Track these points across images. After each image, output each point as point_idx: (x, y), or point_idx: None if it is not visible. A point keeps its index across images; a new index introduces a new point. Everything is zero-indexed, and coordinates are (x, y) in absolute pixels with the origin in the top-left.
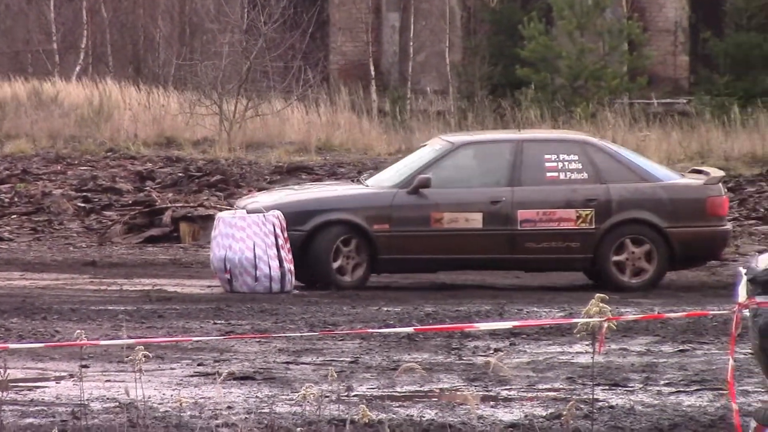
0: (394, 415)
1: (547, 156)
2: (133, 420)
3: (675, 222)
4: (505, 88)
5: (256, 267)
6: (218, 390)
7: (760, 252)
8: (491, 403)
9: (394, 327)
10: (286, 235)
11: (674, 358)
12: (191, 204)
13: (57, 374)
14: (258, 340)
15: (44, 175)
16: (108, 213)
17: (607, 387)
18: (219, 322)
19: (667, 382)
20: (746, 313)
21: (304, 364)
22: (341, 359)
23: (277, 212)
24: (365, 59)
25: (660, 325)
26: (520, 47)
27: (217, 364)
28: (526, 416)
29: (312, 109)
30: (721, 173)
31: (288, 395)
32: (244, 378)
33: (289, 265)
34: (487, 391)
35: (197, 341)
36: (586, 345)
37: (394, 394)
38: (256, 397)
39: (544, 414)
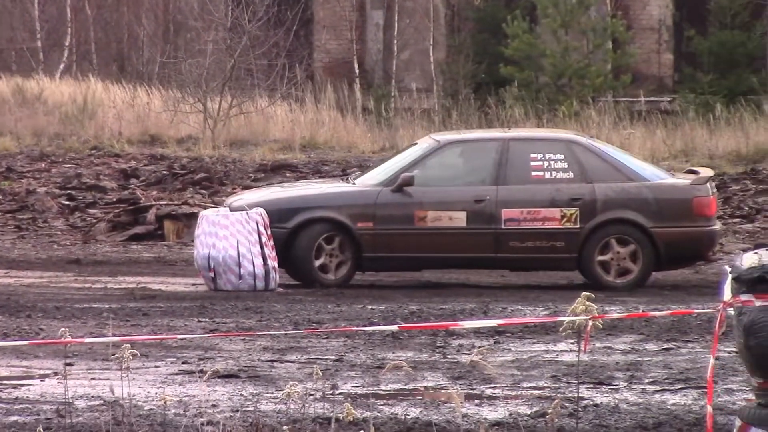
0: (378, 414)
1: (532, 155)
2: (118, 418)
3: (660, 222)
4: (489, 86)
5: (240, 265)
6: (203, 388)
7: (745, 250)
8: (476, 401)
9: (379, 325)
10: (269, 232)
11: (659, 356)
12: (175, 202)
13: (42, 372)
14: (242, 338)
15: (28, 172)
16: (92, 211)
17: (591, 385)
18: (203, 320)
19: (651, 380)
20: (731, 311)
21: (289, 362)
22: (326, 357)
23: (261, 210)
24: (349, 57)
25: (645, 324)
26: (504, 45)
27: (201, 362)
28: (510, 414)
29: (296, 107)
30: (711, 173)
31: (273, 393)
32: (228, 376)
33: (273, 263)
34: (471, 389)
35: (182, 339)
36: (571, 343)
37: (379, 392)
38: (241, 395)
39: (528, 412)
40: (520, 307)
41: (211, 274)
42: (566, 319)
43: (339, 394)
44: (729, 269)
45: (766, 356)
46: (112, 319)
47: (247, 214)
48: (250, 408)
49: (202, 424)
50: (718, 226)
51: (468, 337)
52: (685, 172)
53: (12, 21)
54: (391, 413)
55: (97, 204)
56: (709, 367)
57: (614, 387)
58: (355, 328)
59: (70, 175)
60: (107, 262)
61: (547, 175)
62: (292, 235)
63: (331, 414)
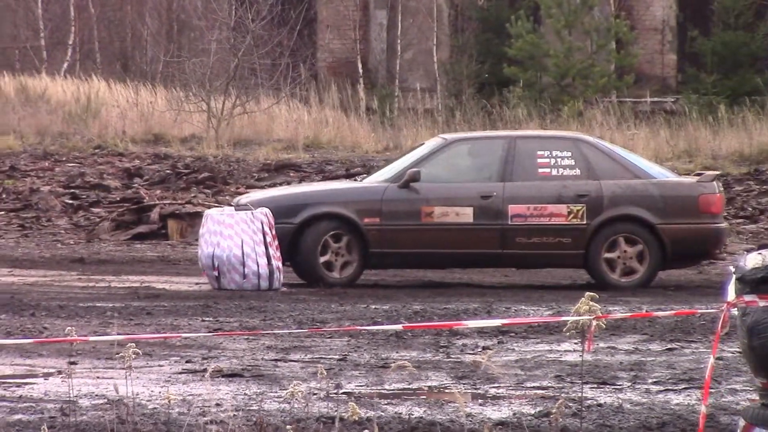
0: (382, 413)
1: (539, 152)
2: (122, 417)
3: (667, 219)
4: (492, 86)
5: (244, 264)
6: (206, 387)
7: (748, 251)
8: (479, 400)
9: (383, 325)
10: (274, 232)
11: (662, 356)
12: (179, 201)
13: (45, 371)
14: (246, 337)
15: (32, 171)
16: (96, 210)
17: (595, 385)
18: (207, 319)
19: (655, 380)
20: (734, 312)
21: (293, 361)
22: (329, 357)
23: (266, 209)
24: (353, 57)
25: (648, 324)
26: (507, 45)
27: (205, 361)
28: (514, 414)
29: (300, 107)
30: (717, 172)
31: (276, 392)
32: (232, 375)
33: (277, 263)
34: (475, 389)
35: (185, 338)
36: (575, 343)
37: (383, 391)
38: (245, 394)
39: (532, 412)
40: (523, 307)
41: (215, 273)
42: (570, 319)
43: (343, 393)
44: (733, 270)
45: None
46: (115, 318)
47: (252, 213)
48: (254, 407)
49: (206, 423)
50: (724, 224)
51: (472, 336)
52: (693, 175)
53: (15, 19)
54: (395, 413)
55: (101, 203)
56: (708, 367)
57: (618, 387)
58: (358, 328)
59: (74, 174)
60: (111, 261)
61: (554, 172)
62: (298, 230)
63: (335, 413)
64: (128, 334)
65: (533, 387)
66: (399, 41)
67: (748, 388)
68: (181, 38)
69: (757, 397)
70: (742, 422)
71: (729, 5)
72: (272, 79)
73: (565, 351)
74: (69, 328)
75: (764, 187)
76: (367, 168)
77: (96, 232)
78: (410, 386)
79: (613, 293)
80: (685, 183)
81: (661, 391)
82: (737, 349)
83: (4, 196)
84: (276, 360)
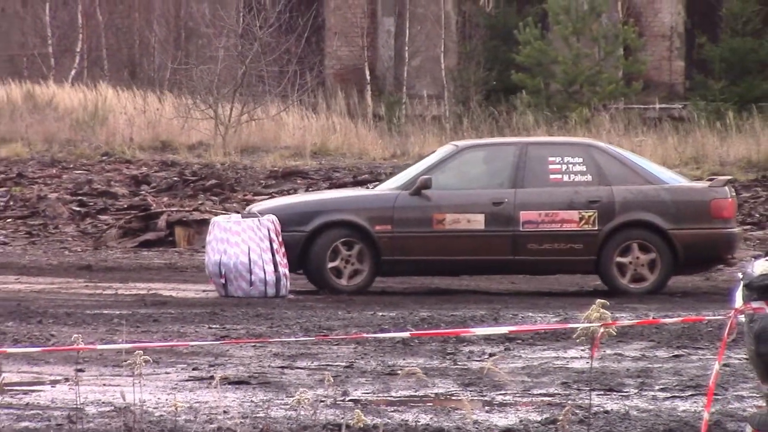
0: (389, 420)
1: (551, 158)
2: (129, 424)
3: (679, 224)
4: (500, 93)
5: (251, 271)
6: (213, 394)
7: (756, 257)
8: (486, 408)
9: (389, 332)
10: (281, 239)
11: (669, 363)
12: (186, 208)
13: (52, 378)
14: (253, 344)
15: (39, 178)
16: (103, 217)
17: (602, 392)
18: (214, 326)
19: (662, 387)
20: (742, 318)
21: (299, 368)
22: (336, 364)
23: (272, 216)
24: (360, 64)
25: (655, 330)
26: (515, 52)
27: (212, 368)
28: (521, 421)
29: (307, 114)
30: (729, 177)
31: (283, 400)
32: (239, 382)
33: (284, 270)
34: (482, 396)
35: (193, 345)
36: (581, 350)
37: (389, 398)
38: (251, 401)
39: (539, 419)
40: (530, 314)
41: (222, 281)
42: (578, 326)
43: (349, 400)
44: (740, 276)
45: None
46: (123, 325)
47: (259, 220)
48: (261, 414)
49: (213, 430)
50: (737, 228)
51: (479, 343)
52: (706, 180)
53: (23, 27)
54: (402, 420)
55: (108, 210)
56: (713, 374)
57: (625, 394)
58: (365, 335)
59: (81, 181)
60: (118, 269)
61: (566, 178)
62: (310, 238)
63: (342, 420)
64: (135, 341)
65: (540, 394)
66: (406, 48)
67: (754, 394)
68: (189, 45)
69: (764, 404)
70: (748, 429)
71: (737, 12)
72: (280, 86)
73: (572, 358)
74: (76, 335)
75: None
76: (374, 175)
77: (103, 239)
78: (417, 393)
79: (620, 299)
80: (696, 188)
81: (667, 398)
82: (744, 356)
83: (11, 203)
84: (283, 367)
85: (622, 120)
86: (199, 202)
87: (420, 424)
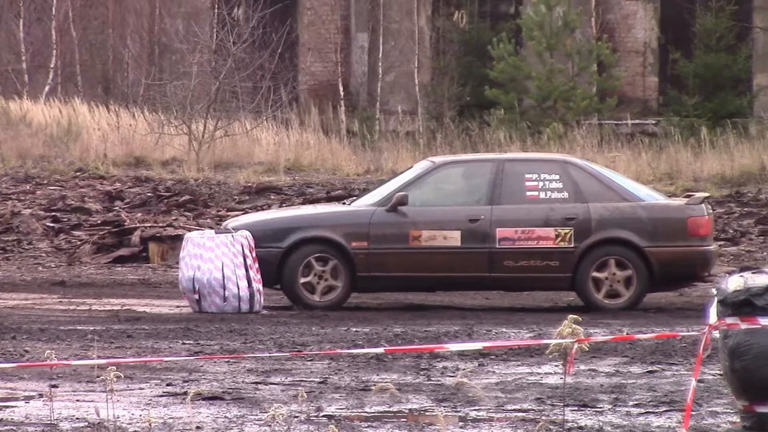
0: None
1: (527, 175)
2: None
3: (655, 241)
4: (473, 108)
5: (224, 287)
6: (187, 410)
7: (730, 273)
8: (460, 423)
9: (363, 347)
10: (254, 254)
11: (643, 379)
12: (160, 224)
13: (26, 394)
14: (227, 360)
15: (13, 194)
16: (77, 233)
17: (576, 408)
18: (188, 342)
19: (636, 402)
20: (716, 334)
21: (273, 384)
22: (310, 380)
23: (246, 232)
24: (334, 79)
25: (629, 346)
26: (489, 68)
27: (186, 384)
28: None
29: (281, 130)
30: (706, 194)
31: (257, 415)
32: (213, 398)
33: (257, 285)
34: (456, 411)
35: (166, 361)
36: (555, 366)
37: (363, 414)
38: (225, 417)
39: None
40: (504, 330)
41: (196, 296)
42: (552, 342)
43: (323, 416)
44: (715, 292)
45: (752, 379)
46: (96, 341)
47: (233, 236)
48: (235, 430)
49: None
50: (713, 246)
51: (452, 359)
52: (683, 197)
53: None
54: None
55: (82, 226)
56: (690, 390)
57: (599, 409)
58: (339, 351)
59: (55, 197)
60: (92, 284)
61: (542, 195)
62: (286, 254)
63: None
64: (109, 357)
65: (514, 410)
66: (380, 64)
67: (729, 410)
68: (163, 61)
69: (739, 420)
70: None
71: (710, 28)
72: (253, 102)
73: (546, 373)
74: (49, 351)
75: (746, 209)
76: (348, 191)
77: (77, 255)
78: (391, 409)
79: (594, 315)
80: (673, 205)
81: (641, 414)
82: (718, 372)
83: None
84: (257, 383)
85: (596, 136)
86: (173, 217)
87: None
